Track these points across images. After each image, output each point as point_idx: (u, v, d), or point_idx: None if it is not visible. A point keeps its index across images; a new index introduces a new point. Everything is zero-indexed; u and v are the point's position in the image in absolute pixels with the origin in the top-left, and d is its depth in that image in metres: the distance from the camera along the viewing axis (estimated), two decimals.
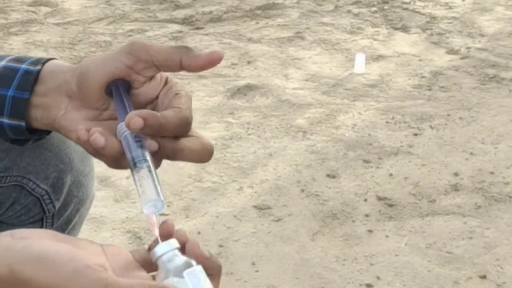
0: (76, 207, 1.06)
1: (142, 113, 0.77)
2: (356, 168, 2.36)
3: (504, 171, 2.35)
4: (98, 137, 0.77)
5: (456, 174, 2.33)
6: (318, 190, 2.24)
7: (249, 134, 2.57)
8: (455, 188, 2.26)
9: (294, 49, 3.23)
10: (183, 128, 0.80)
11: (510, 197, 2.22)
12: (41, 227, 1.05)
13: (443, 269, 1.92)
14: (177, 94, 0.82)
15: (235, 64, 3.09)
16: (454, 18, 3.55)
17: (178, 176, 2.28)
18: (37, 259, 0.64)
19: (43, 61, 0.87)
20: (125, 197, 2.20)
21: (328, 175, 2.32)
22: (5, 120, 0.86)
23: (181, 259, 0.70)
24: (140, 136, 0.77)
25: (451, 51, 3.21)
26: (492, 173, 2.34)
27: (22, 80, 0.85)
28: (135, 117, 0.76)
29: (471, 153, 2.45)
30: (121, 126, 0.78)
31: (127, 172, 2.56)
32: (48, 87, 0.85)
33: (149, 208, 0.74)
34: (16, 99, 0.85)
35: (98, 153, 0.78)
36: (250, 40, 3.31)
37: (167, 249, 0.70)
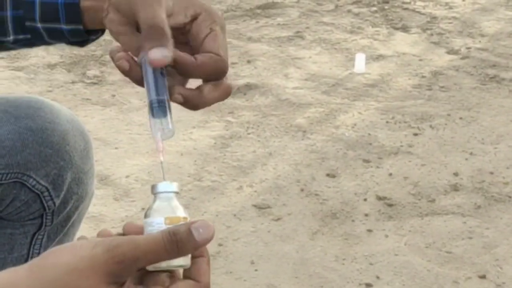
0: (75, 204, 1.06)
1: (178, 55, 0.78)
2: (355, 167, 2.36)
3: (504, 171, 2.35)
4: (123, 63, 0.80)
5: (455, 174, 2.33)
6: (318, 190, 2.24)
7: (248, 134, 2.57)
8: (455, 188, 2.26)
9: (294, 48, 3.23)
10: (218, 76, 0.80)
11: (509, 197, 2.22)
12: (41, 223, 1.05)
13: (442, 269, 1.92)
14: (212, 31, 0.81)
15: (235, 63, 3.09)
16: (454, 18, 3.55)
17: (178, 175, 2.28)
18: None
19: None
20: (124, 195, 2.20)
21: (327, 175, 2.32)
22: (64, 26, 0.89)
23: (173, 204, 0.71)
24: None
25: (451, 51, 3.21)
26: (491, 173, 2.34)
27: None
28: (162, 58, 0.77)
29: (471, 153, 2.45)
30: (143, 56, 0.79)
31: (126, 170, 2.56)
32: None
33: (158, 134, 0.76)
34: (68, 5, 0.88)
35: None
36: (250, 39, 3.31)
37: (167, 189, 0.73)
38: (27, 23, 0.90)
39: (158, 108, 0.76)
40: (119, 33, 0.82)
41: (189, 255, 0.70)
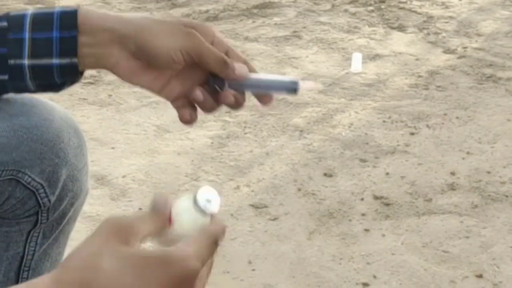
0: (70, 201, 1.06)
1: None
2: (352, 167, 2.36)
3: (500, 171, 2.35)
4: (198, 94, 0.92)
5: (452, 173, 2.33)
6: (315, 189, 2.24)
7: (245, 133, 2.56)
8: (452, 187, 2.26)
9: (291, 48, 3.23)
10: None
11: (506, 196, 2.22)
12: (37, 221, 1.05)
13: (439, 268, 1.92)
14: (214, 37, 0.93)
15: None
16: (451, 17, 3.55)
17: (175, 175, 2.28)
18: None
19: (73, 7, 0.90)
20: (121, 195, 2.20)
21: (324, 174, 2.32)
22: (54, 61, 0.89)
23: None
24: None
25: (448, 51, 3.21)
26: (488, 172, 2.34)
27: (62, 20, 0.88)
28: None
29: (467, 153, 2.45)
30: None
31: (123, 170, 2.56)
32: (95, 40, 0.88)
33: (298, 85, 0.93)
34: (64, 39, 0.88)
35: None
36: (246, 39, 3.31)
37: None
38: (11, 61, 0.89)
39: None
40: (140, 80, 0.91)
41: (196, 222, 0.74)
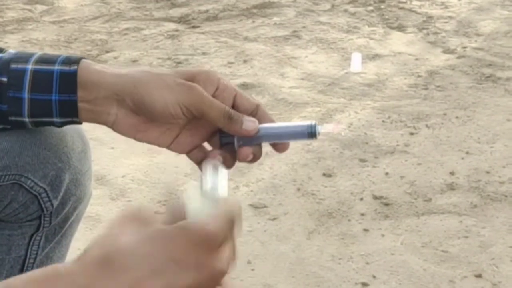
0: (73, 205, 1.05)
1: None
2: (352, 167, 2.36)
3: (500, 170, 2.35)
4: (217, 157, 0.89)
5: (452, 173, 2.33)
6: (314, 189, 2.24)
7: None
8: (451, 187, 2.26)
9: (291, 48, 3.23)
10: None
11: (505, 196, 2.22)
12: (39, 224, 1.05)
13: (438, 268, 1.92)
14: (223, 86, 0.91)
15: (232, 63, 3.09)
16: (450, 17, 3.55)
17: (174, 175, 2.28)
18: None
19: (74, 61, 0.88)
20: (121, 195, 2.20)
21: (324, 174, 2.32)
22: (56, 119, 0.90)
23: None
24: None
25: (447, 51, 3.21)
26: (488, 172, 2.34)
27: (61, 82, 0.88)
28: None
29: (467, 152, 2.46)
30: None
31: (123, 170, 2.55)
32: (92, 95, 0.87)
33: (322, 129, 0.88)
34: (63, 101, 0.88)
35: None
36: (246, 39, 3.31)
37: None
38: (11, 118, 0.90)
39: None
40: (146, 136, 0.89)
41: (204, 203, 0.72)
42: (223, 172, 0.73)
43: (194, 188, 0.73)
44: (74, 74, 0.87)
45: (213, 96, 0.88)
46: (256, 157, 0.88)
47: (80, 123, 0.90)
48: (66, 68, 0.88)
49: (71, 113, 0.88)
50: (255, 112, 0.89)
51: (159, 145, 0.91)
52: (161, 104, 0.85)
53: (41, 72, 0.88)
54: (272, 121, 0.89)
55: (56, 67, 0.88)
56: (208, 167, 0.72)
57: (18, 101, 0.88)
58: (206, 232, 0.66)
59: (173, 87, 0.86)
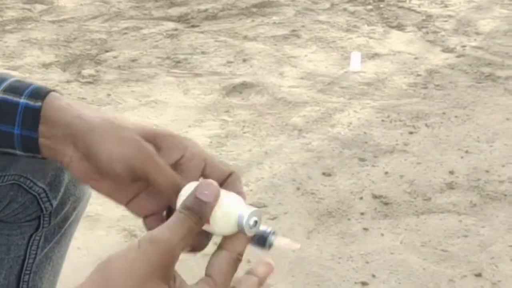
0: (73, 205, 1.05)
1: None
2: (351, 166, 2.36)
3: (499, 169, 2.35)
4: None
5: (451, 172, 2.33)
6: (314, 188, 2.24)
7: (244, 132, 2.56)
8: (451, 186, 2.26)
9: (290, 47, 3.23)
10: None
11: (505, 195, 2.22)
12: (38, 225, 1.04)
13: (438, 267, 1.92)
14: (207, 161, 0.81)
15: (231, 62, 3.09)
16: (449, 16, 3.55)
17: None
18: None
19: (41, 95, 0.85)
20: None
21: (323, 173, 2.32)
22: (19, 152, 0.87)
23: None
24: None
25: (446, 50, 3.21)
26: (487, 171, 2.34)
27: (24, 117, 0.85)
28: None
29: (466, 151, 2.45)
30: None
31: None
32: (51, 132, 0.84)
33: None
34: (25, 137, 0.85)
35: None
36: (245, 38, 3.31)
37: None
38: None
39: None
40: (99, 187, 0.83)
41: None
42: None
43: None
44: (38, 110, 0.84)
45: (177, 163, 0.80)
46: (196, 248, 0.78)
47: (44, 158, 0.87)
48: (31, 102, 0.84)
49: (32, 149, 0.85)
50: (225, 181, 0.80)
51: (115, 201, 0.83)
52: (106, 157, 0.78)
53: (7, 103, 0.85)
54: (241, 193, 0.78)
55: (22, 100, 0.85)
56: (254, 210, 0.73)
57: None
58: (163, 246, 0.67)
59: (125, 142, 0.78)
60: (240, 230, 0.73)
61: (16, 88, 0.86)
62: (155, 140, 0.80)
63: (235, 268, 0.72)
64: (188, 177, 0.78)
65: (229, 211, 0.73)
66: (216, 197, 0.71)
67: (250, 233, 0.74)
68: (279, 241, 0.77)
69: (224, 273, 0.70)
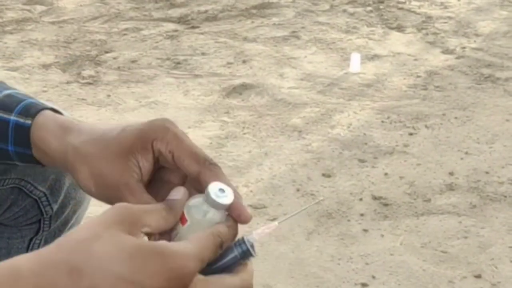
0: (73, 208, 1.05)
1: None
2: (351, 167, 2.36)
3: (499, 171, 2.35)
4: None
5: (451, 174, 2.33)
6: (314, 190, 2.24)
7: (244, 133, 2.57)
8: (450, 187, 2.26)
9: (290, 48, 3.23)
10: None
11: (505, 196, 2.22)
12: (39, 228, 1.04)
13: (438, 268, 1.92)
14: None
15: (231, 63, 3.09)
16: (449, 18, 3.55)
17: None
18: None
19: (32, 113, 0.84)
20: None
21: (323, 175, 2.32)
22: (18, 163, 0.87)
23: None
24: None
25: (446, 51, 3.21)
26: (487, 172, 2.34)
27: (16, 134, 0.84)
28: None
29: (466, 153, 2.46)
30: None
31: None
32: (42, 151, 0.83)
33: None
34: (20, 153, 0.85)
35: None
36: (245, 39, 3.31)
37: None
38: None
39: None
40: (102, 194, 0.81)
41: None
42: (228, 191, 0.73)
43: (200, 196, 0.73)
44: (27, 128, 0.83)
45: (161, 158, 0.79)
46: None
47: (33, 160, 0.86)
48: (21, 120, 0.84)
49: (31, 161, 0.85)
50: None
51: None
52: (82, 176, 0.79)
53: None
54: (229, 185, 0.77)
55: (12, 117, 0.84)
56: (215, 183, 0.73)
57: None
58: (185, 267, 0.64)
59: (102, 164, 0.78)
60: (212, 203, 0.72)
61: (7, 105, 0.85)
62: (130, 151, 0.78)
63: (215, 244, 0.69)
64: (168, 165, 0.78)
65: (196, 202, 0.72)
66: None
67: (221, 200, 0.72)
68: (258, 235, 0.77)
69: (201, 240, 0.68)
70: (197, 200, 0.73)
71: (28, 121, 0.83)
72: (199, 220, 0.71)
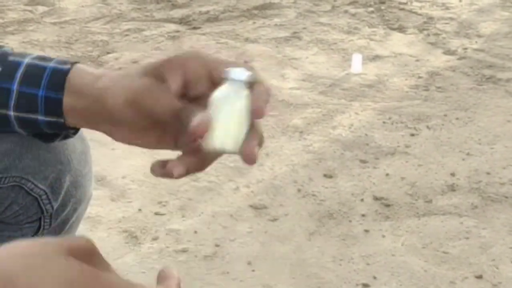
0: (73, 207, 1.05)
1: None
2: (352, 168, 2.36)
3: (500, 172, 2.35)
4: (179, 169, 0.84)
5: (452, 174, 2.33)
6: (315, 190, 2.24)
7: None
8: (452, 188, 2.26)
9: (291, 49, 3.23)
10: None
11: (506, 197, 2.22)
12: (39, 227, 1.05)
13: (439, 269, 1.92)
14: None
15: None
16: (451, 18, 3.55)
17: None
18: None
19: (70, 62, 0.87)
20: (121, 196, 2.20)
21: (324, 175, 2.32)
22: (40, 117, 0.87)
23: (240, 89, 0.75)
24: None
25: (448, 52, 3.21)
26: (488, 173, 2.34)
27: (51, 78, 0.86)
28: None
29: (467, 154, 2.45)
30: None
31: (123, 171, 2.56)
32: (79, 98, 0.85)
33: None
34: (50, 99, 0.86)
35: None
36: (247, 40, 3.31)
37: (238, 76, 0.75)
38: None
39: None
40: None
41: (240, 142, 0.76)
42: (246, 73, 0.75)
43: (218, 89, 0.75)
44: (65, 72, 0.85)
45: (186, 85, 0.82)
46: (193, 170, 0.83)
47: (65, 125, 0.87)
48: (60, 66, 0.86)
49: (56, 111, 0.86)
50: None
51: (143, 147, 0.90)
52: (112, 102, 0.82)
53: (35, 67, 0.87)
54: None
55: (51, 64, 0.87)
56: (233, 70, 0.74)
57: (7, 92, 0.87)
58: None
59: (124, 83, 0.82)
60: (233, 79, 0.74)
61: (46, 57, 0.88)
62: (157, 71, 0.81)
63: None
64: (199, 92, 0.80)
65: (219, 93, 0.74)
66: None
67: (239, 76, 0.75)
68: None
69: None
70: (220, 90, 0.75)
71: (67, 66, 0.86)
72: (227, 108, 0.75)
